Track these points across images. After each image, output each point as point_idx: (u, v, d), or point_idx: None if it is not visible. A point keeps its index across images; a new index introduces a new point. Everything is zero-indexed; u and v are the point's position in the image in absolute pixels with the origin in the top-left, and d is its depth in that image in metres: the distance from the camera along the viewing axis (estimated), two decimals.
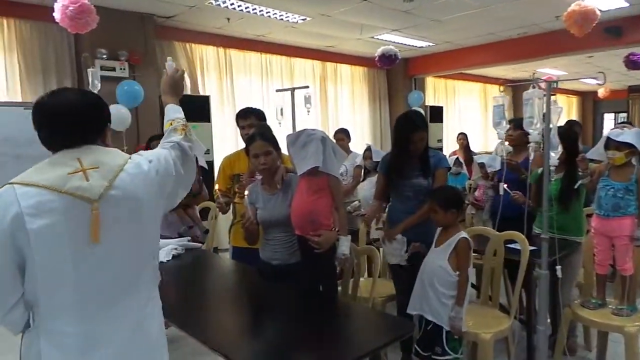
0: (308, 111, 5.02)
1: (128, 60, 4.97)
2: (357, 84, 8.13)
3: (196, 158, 3.44)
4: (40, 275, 1.15)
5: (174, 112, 1.52)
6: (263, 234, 2.37)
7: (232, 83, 6.38)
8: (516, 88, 9.36)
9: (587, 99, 14.80)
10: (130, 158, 1.30)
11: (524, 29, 6.43)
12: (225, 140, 6.14)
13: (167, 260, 2.61)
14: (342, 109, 7.90)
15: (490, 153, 6.89)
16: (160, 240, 2.85)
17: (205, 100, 5.64)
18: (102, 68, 4.74)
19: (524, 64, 8.01)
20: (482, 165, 4.09)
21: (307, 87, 4.64)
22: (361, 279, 2.70)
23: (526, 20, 5.98)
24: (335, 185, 2.20)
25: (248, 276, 2.46)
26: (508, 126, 2.46)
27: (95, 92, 3.71)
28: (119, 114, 4.66)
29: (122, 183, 1.22)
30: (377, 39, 6.56)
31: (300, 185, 2.22)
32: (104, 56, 4.79)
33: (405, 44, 6.99)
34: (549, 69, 9.16)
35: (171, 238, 3.12)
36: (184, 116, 1.51)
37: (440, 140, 8.75)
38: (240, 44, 6.41)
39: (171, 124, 1.49)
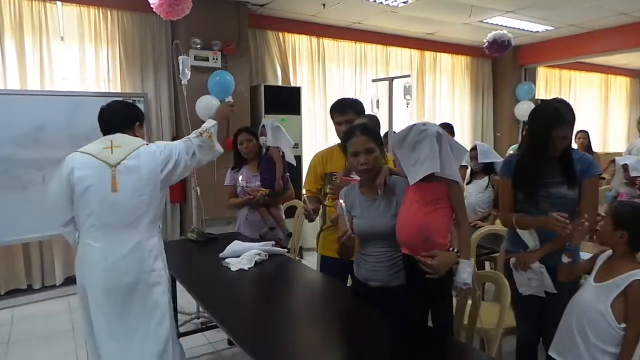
0: (407, 103, 4.55)
1: (221, 50, 4.85)
2: (458, 74, 7.40)
3: (283, 153, 3.21)
4: (79, 206, 1.98)
5: (207, 123, 2.26)
6: (359, 248, 1.97)
7: (324, 73, 6.05)
8: None
9: None
10: (146, 144, 2.09)
11: None
12: (316, 133, 5.84)
13: (249, 268, 2.32)
14: (441, 102, 7.23)
15: (618, 155, 5.87)
16: (243, 243, 2.62)
17: (297, 91, 5.39)
18: (196, 58, 4.67)
19: None
20: (625, 168, 3.34)
21: (408, 75, 4.18)
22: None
23: None
24: (457, 194, 1.73)
25: (339, 297, 2.07)
26: None
27: (185, 80, 3.56)
28: (210, 106, 4.52)
29: (133, 157, 2.01)
30: (487, 22, 5.83)
31: (408, 192, 1.79)
32: (198, 46, 4.69)
33: (519, 29, 6.15)
34: None
35: (253, 239, 2.86)
36: (209, 127, 2.22)
37: None
38: (334, 32, 6.05)
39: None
